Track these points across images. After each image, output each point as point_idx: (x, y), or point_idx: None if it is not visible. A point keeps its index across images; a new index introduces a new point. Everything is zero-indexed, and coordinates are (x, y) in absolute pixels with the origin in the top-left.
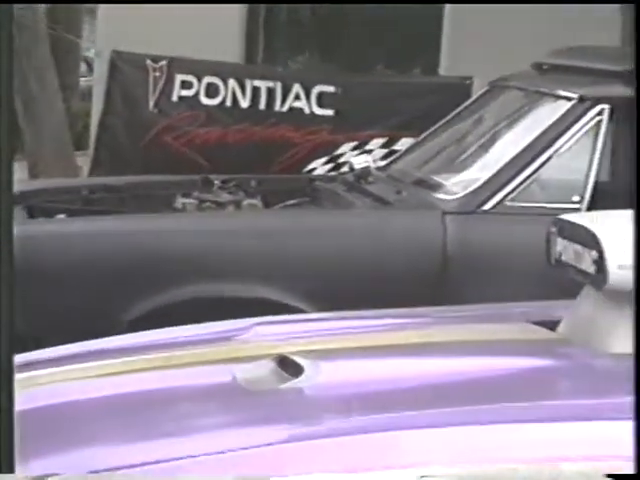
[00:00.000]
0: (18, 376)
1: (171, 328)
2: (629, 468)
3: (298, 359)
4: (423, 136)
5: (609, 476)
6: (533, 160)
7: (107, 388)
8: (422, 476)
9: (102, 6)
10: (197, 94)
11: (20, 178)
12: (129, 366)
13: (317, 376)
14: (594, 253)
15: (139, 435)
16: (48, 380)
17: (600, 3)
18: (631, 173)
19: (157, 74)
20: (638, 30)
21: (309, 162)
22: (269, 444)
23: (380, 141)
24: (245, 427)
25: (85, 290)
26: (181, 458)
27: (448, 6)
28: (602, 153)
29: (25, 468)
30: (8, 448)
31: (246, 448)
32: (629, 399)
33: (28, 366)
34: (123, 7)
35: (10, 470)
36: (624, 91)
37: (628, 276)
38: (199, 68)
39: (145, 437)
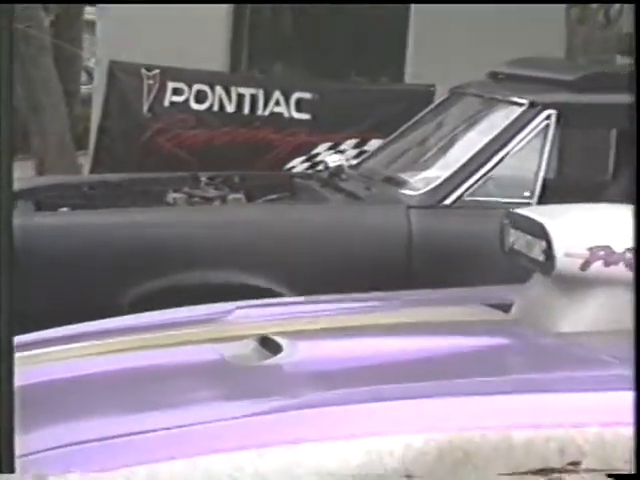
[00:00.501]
0: (25, 353)
1: (163, 311)
2: (573, 434)
3: (277, 338)
4: (390, 138)
5: (609, 476)
6: (488, 160)
7: (105, 365)
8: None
9: (101, 20)
10: (187, 100)
11: (28, 175)
12: (125, 345)
13: (295, 354)
14: (543, 243)
15: (134, 407)
16: (51, 358)
17: (600, 3)
18: (631, 173)
19: (151, 82)
20: (638, 30)
21: (288, 161)
22: (252, 415)
23: (352, 142)
24: (230, 400)
25: (85, 276)
26: (171, 428)
27: (412, 19)
28: (550, 153)
29: (28, 439)
30: (8, 448)
31: (230, 419)
32: (573, 373)
33: (32, 345)
34: (121, 20)
35: (10, 470)
36: (569, 98)
37: (573, 263)
38: (189, 76)
39: (139, 409)
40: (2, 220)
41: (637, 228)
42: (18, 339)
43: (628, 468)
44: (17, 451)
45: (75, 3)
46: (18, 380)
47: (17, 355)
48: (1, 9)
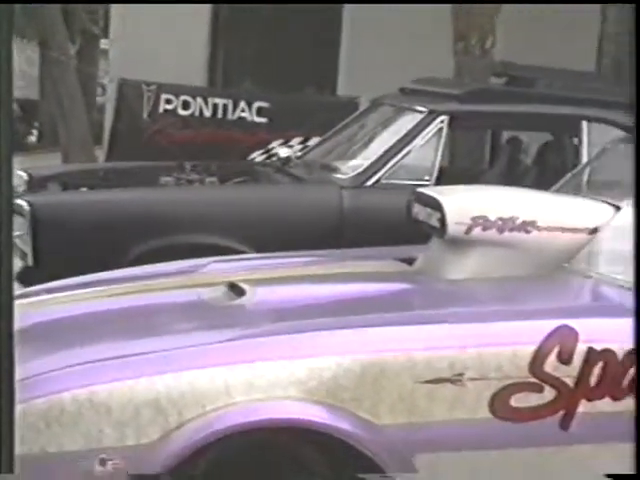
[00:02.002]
0: (46, 297)
1: (156, 264)
2: (458, 353)
3: (242, 285)
4: (326, 136)
5: (609, 476)
6: (399, 152)
7: (110, 305)
8: None
9: (112, 49)
10: (176, 108)
11: (56, 164)
12: (126, 290)
13: (255, 296)
14: (438, 214)
15: (132, 336)
16: (65, 300)
17: (599, 3)
18: (502, 164)
19: (149, 94)
20: (638, 30)
21: (251, 153)
22: (223, 341)
23: (298, 139)
24: (206, 330)
25: (98, 239)
26: (161, 350)
27: (343, 47)
28: (443, 148)
29: (46, 361)
30: (8, 448)
31: (206, 344)
32: (459, 309)
33: (53, 290)
34: (127, 49)
35: (10, 470)
36: (457, 107)
37: (460, 228)
38: (177, 90)
39: (137, 337)
40: (2, 218)
41: (637, 228)
42: (41, 286)
43: (500, 376)
44: (37, 370)
45: (77, 3)
46: (38, 318)
47: (37, 299)
48: (1, 9)
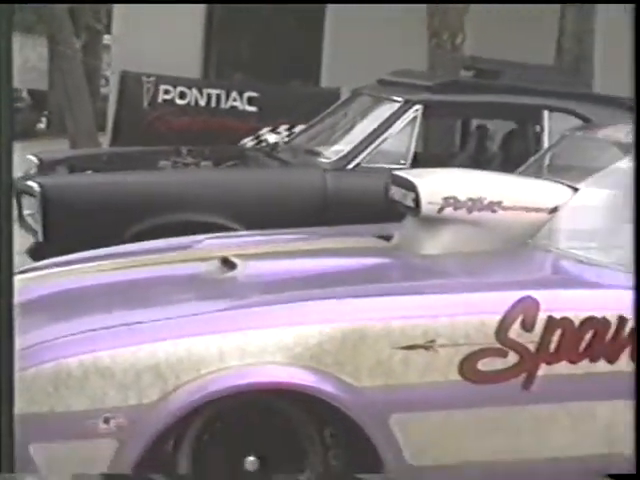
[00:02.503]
0: (55, 270)
1: (155, 240)
2: (431, 322)
3: (234, 259)
4: (311, 123)
5: (609, 476)
6: (377, 138)
7: (112, 278)
8: None
9: (114, 44)
10: (173, 97)
11: (64, 149)
12: (126, 264)
13: (246, 270)
14: (413, 194)
15: (135, 305)
16: (74, 273)
17: (598, 3)
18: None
19: (149, 85)
20: (638, 30)
21: (242, 139)
22: (216, 311)
23: (285, 127)
24: (201, 300)
25: (101, 217)
26: (159, 320)
27: (326, 43)
28: (418, 134)
29: (55, 328)
30: (8, 448)
31: (202, 313)
32: (434, 281)
33: (61, 264)
34: (127, 44)
35: (10, 470)
36: (430, 97)
37: (433, 208)
38: (174, 81)
39: (137, 307)
40: (2, 216)
41: (637, 228)
42: (50, 261)
43: (469, 342)
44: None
45: (78, 3)
46: (47, 289)
47: (47, 272)
48: (1, 9)
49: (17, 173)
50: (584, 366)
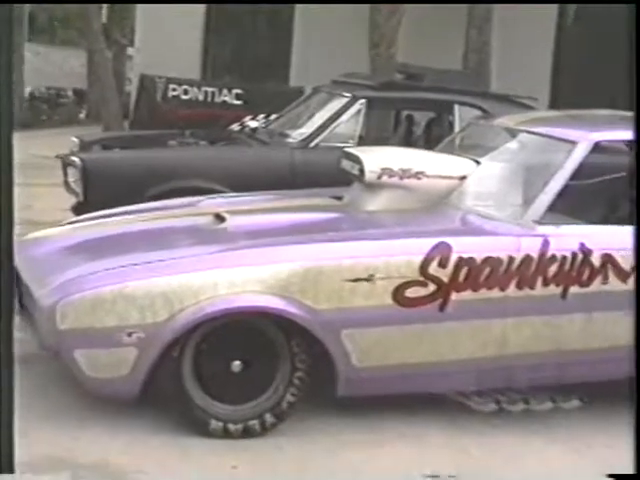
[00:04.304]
0: (91, 222)
1: (166, 200)
2: (369, 261)
3: (225, 214)
4: (282, 113)
5: (610, 476)
6: (331, 124)
7: (135, 227)
8: None
9: (136, 55)
10: (179, 94)
11: (98, 132)
12: (144, 218)
13: (233, 222)
14: (358, 166)
15: (149, 248)
16: (106, 224)
17: (598, 3)
18: (402, 133)
19: (160, 84)
20: (638, 30)
21: (230, 125)
22: (211, 252)
23: (262, 116)
24: (200, 245)
25: (127, 183)
26: (168, 259)
27: (294, 51)
28: (362, 123)
29: (93, 264)
30: (8, 448)
31: (201, 254)
32: (367, 231)
33: (97, 218)
34: (145, 55)
35: (10, 470)
36: (372, 94)
37: (373, 175)
38: (179, 81)
39: (152, 249)
40: (2, 213)
41: (637, 227)
42: (89, 215)
43: (400, 276)
44: (86, 271)
45: (81, 3)
46: (88, 236)
47: (86, 224)
48: (1, 9)
49: (64, 151)
50: (483, 293)
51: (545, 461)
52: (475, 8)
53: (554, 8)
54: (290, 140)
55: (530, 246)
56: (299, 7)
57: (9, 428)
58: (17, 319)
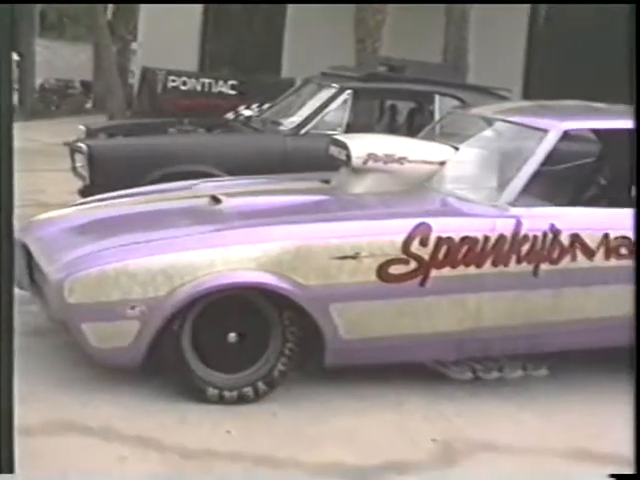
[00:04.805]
0: (93, 204)
1: (165, 184)
2: (356, 240)
3: (220, 197)
4: (274, 102)
5: (611, 476)
6: (320, 112)
7: (137, 209)
8: None
9: (139, 49)
10: (178, 85)
11: (103, 121)
12: (146, 200)
13: (228, 204)
14: (345, 151)
15: (150, 228)
16: (110, 206)
17: (599, 3)
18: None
19: (161, 76)
20: (638, 30)
21: (226, 114)
22: (207, 232)
23: (256, 105)
24: (197, 225)
25: (130, 167)
26: (168, 238)
27: (285, 44)
28: (349, 112)
29: (97, 244)
30: (8, 448)
31: (197, 234)
32: (353, 212)
33: (102, 200)
34: (147, 50)
35: (10, 470)
36: (358, 84)
37: (359, 160)
38: (179, 73)
39: (153, 229)
40: (2, 211)
41: (637, 227)
42: (94, 197)
43: (383, 254)
44: (91, 250)
45: (81, 3)
46: (93, 217)
47: (92, 206)
48: (1, 9)
49: (72, 139)
50: (461, 270)
51: (516, 425)
52: (454, 8)
53: (526, 9)
54: (282, 128)
55: (504, 226)
56: (291, 5)
57: (9, 428)
58: (28, 293)
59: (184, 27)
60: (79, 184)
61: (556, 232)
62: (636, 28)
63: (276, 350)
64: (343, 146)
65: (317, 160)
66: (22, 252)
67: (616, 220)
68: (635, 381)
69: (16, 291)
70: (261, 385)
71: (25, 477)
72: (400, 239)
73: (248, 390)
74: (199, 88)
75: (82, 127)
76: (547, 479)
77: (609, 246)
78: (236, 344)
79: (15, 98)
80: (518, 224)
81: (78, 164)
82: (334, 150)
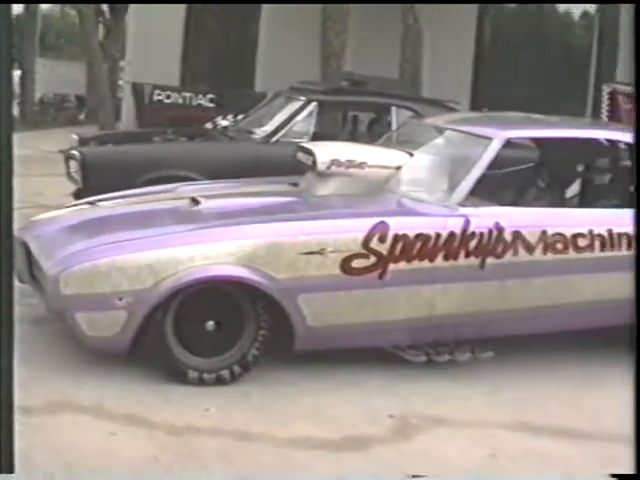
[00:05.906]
0: (88, 206)
1: (150, 187)
2: (327, 237)
3: (200, 198)
4: (248, 114)
5: (611, 476)
6: (289, 123)
7: (125, 210)
8: None
9: (127, 67)
10: (162, 98)
11: (95, 131)
12: (134, 201)
13: (207, 205)
14: (311, 157)
15: (137, 227)
16: (101, 207)
17: (599, 3)
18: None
19: (147, 90)
20: (638, 30)
21: (205, 124)
22: (187, 230)
23: (231, 116)
24: (179, 224)
25: (119, 172)
26: (152, 236)
27: (258, 61)
28: (315, 122)
29: (91, 241)
30: (8, 448)
31: (179, 232)
32: (319, 212)
33: (93, 202)
34: (135, 67)
35: (10, 470)
36: (323, 97)
37: (324, 165)
38: (163, 88)
39: (139, 228)
40: (2, 210)
41: (637, 227)
42: (86, 199)
43: (346, 249)
44: (84, 247)
45: (81, 3)
46: (85, 217)
47: (84, 207)
48: (1, 9)
49: (66, 147)
50: (416, 264)
51: (465, 402)
52: (410, 27)
53: (474, 29)
54: (255, 136)
55: (454, 224)
56: (263, 26)
57: (9, 428)
58: (28, 286)
59: (167, 46)
60: (73, 188)
61: (500, 229)
62: (636, 28)
63: (250, 337)
64: (309, 153)
65: (286, 165)
66: (22, 249)
67: (553, 218)
68: (635, 381)
69: (17, 284)
70: (237, 368)
71: (25, 477)
72: (361, 236)
73: (225, 373)
74: (181, 101)
75: (75, 136)
76: (547, 479)
77: (547, 242)
78: (214, 331)
79: (17, 110)
80: (466, 222)
81: (72, 170)
82: (301, 156)
